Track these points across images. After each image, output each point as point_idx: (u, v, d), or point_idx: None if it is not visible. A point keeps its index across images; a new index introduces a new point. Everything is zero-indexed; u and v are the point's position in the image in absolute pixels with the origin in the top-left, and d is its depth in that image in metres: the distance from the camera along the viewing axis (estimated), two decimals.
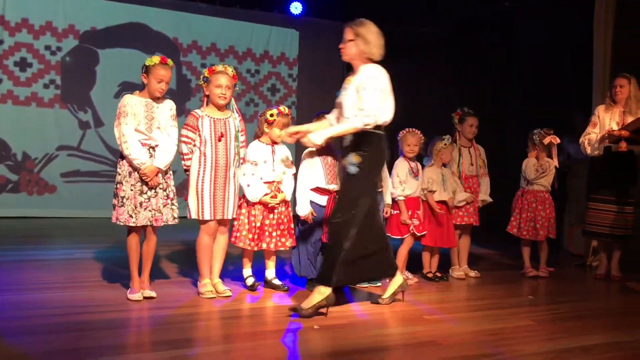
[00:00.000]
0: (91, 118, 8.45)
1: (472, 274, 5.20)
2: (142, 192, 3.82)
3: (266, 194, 4.23)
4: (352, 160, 3.73)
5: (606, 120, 5.26)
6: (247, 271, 4.38)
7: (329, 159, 4.47)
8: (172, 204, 3.95)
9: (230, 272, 4.74)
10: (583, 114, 6.87)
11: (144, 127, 3.83)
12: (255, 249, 4.27)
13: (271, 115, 4.28)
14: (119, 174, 3.84)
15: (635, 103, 5.20)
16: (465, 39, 8.51)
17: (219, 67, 4.07)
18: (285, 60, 9.75)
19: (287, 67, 9.75)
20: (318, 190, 4.39)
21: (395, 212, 4.78)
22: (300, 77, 9.81)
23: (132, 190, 3.81)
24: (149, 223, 3.84)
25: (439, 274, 4.99)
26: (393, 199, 4.76)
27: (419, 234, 4.79)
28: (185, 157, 4.03)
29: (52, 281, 4.38)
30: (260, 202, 4.23)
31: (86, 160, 8.38)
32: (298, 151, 6.31)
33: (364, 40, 3.82)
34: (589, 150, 5.32)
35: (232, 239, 4.25)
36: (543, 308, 4.18)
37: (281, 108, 4.34)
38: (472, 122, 5.24)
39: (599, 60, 6.06)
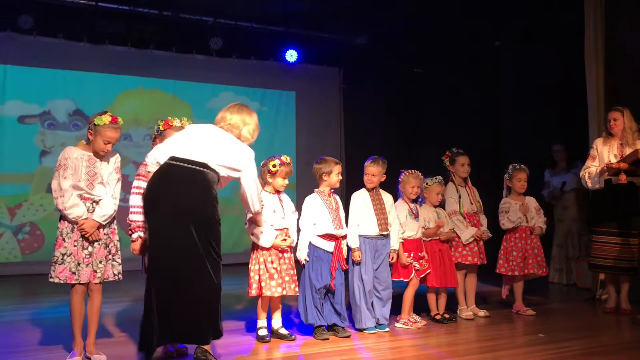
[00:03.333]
0: None
1: (481, 313, 5.14)
2: (83, 248, 3.62)
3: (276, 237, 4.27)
4: None
5: (604, 153, 5.30)
6: (261, 322, 4.32)
7: (334, 202, 4.50)
8: (114, 260, 3.73)
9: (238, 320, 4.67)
10: (563, 146, 7.00)
11: (85, 184, 3.64)
12: (284, 293, 4.24)
13: (273, 165, 4.31)
14: (60, 230, 3.63)
15: (631, 134, 5.24)
16: (457, 79, 8.64)
17: (176, 122, 3.94)
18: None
19: None
20: (325, 236, 4.40)
21: None
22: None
23: (75, 246, 3.60)
24: (88, 280, 3.62)
25: (447, 315, 4.93)
26: None
27: (418, 277, 4.76)
28: (134, 209, 3.79)
29: None
30: (273, 247, 4.24)
31: None
32: (299, 197, 6.33)
33: None
34: (589, 184, 5.33)
35: (254, 292, 4.21)
36: (554, 346, 4.11)
37: (283, 158, 4.36)
38: (463, 161, 5.26)
39: (592, 94, 6.12)
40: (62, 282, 3.58)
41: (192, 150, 3.50)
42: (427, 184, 4.98)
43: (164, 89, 9.09)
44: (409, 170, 4.91)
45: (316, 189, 4.58)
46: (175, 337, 3.45)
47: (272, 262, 4.24)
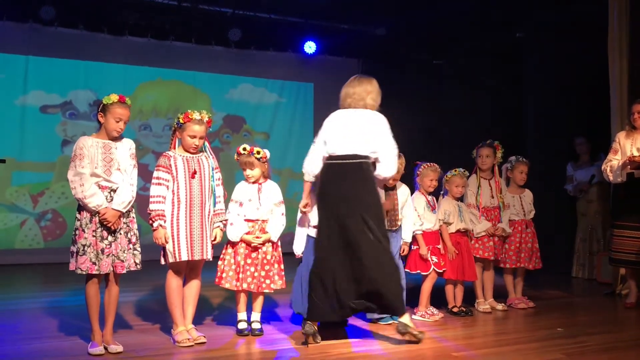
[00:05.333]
0: None
1: (500, 307, 5.10)
2: (103, 238, 3.59)
3: (248, 233, 4.10)
4: None
5: (627, 147, 5.21)
6: (240, 315, 4.20)
7: None
8: (135, 249, 3.72)
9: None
10: (585, 139, 6.90)
11: (102, 170, 3.63)
12: (240, 288, 4.07)
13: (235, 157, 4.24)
14: (78, 220, 3.61)
15: None
16: (478, 71, 8.55)
17: (195, 115, 3.91)
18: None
19: None
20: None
21: (415, 247, 4.75)
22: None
23: (94, 236, 3.57)
24: (111, 270, 3.61)
25: (464, 309, 4.90)
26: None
27: (439, 271, 4.74)
28: (154, 199, 3.81)
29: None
30: (242, 241, 4.10)
31: None
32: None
33: None
34: (611, 178, 5.26)
35: (216, 280, 4.13)
36: (573, 340, 4.07)
37: (240, 148, 4.20)
38: (482, 153, 5.19)
39: (615, 87, 6.03)
40: (83, 272, 3.57)
41: (340, 146, 3.91)
42: (447, 176, 4.95)
43: (183, 80, 9.15)
44: (427, 163, 4.87)
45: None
46: (375, 308, 3.91)
47: (239, 254, 4.09)
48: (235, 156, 4.23)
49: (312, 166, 4.05)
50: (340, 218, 3.84)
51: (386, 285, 3.81)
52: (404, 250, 4.62)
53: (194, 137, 3.90)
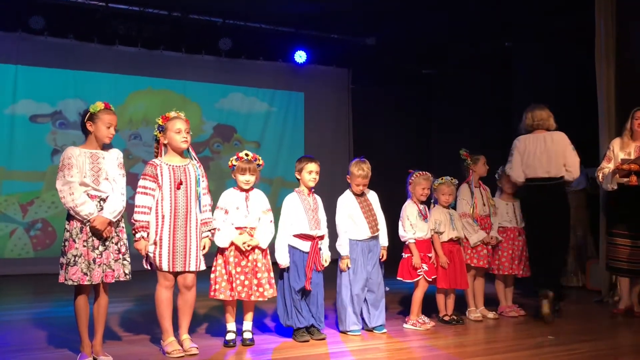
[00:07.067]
0: None
1: (491, 315, 5.11)
2: (94, 248, 3.57)
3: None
4: None
5: (620, 155, 5.23)
6: (230, 325, 4.16)
7: (312, 202, 4.41)
8: (124, 259, 3.69)
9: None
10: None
11: (91, 180, 3.60)
12: (236, 297, 4.04)
13: (230, 161, 4.19)
14: (68, 231, 3.57)
15: None
16: (468, 80, 8.61)
17: (173, 114, 3.95)
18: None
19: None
20: (301, 236, 4.31)
21: (406, 255, 4.76)
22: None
23: (84, 246, 3.54)
24: (102, 280, 3.58)
25: (455, 317, 4.91)
26: (404, 242, 4.75)
27: (429, 279, 4.75)
28: (139, 209, 3.78)
29: None
30: (232, 244, 4.05)
31: None
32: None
33: None
34: (603, 185, 5.29)
35: (212, 293, 4.06)
36: (565, 348, 4.08)
37: (241, 153, 4.18)
38: (485, 160, 5.24)
39: (602, 95, 6.07)
40: (75, 283, 3.53)
41: (536, 169, 4.92)
42: (434, 185, 4.95)
43: (174, 89, 9.14)
44: (420, 172, 4.87)
45: (296, 188, 4.47)
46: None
47: (230, 264, 4.04)
48: (234, 161, 4.17)
49: (516, 173, 5.08)
50: (548, 228, 4.84)
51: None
52: (382, 256, 4.60)
53: (180, 131, 3.89)
